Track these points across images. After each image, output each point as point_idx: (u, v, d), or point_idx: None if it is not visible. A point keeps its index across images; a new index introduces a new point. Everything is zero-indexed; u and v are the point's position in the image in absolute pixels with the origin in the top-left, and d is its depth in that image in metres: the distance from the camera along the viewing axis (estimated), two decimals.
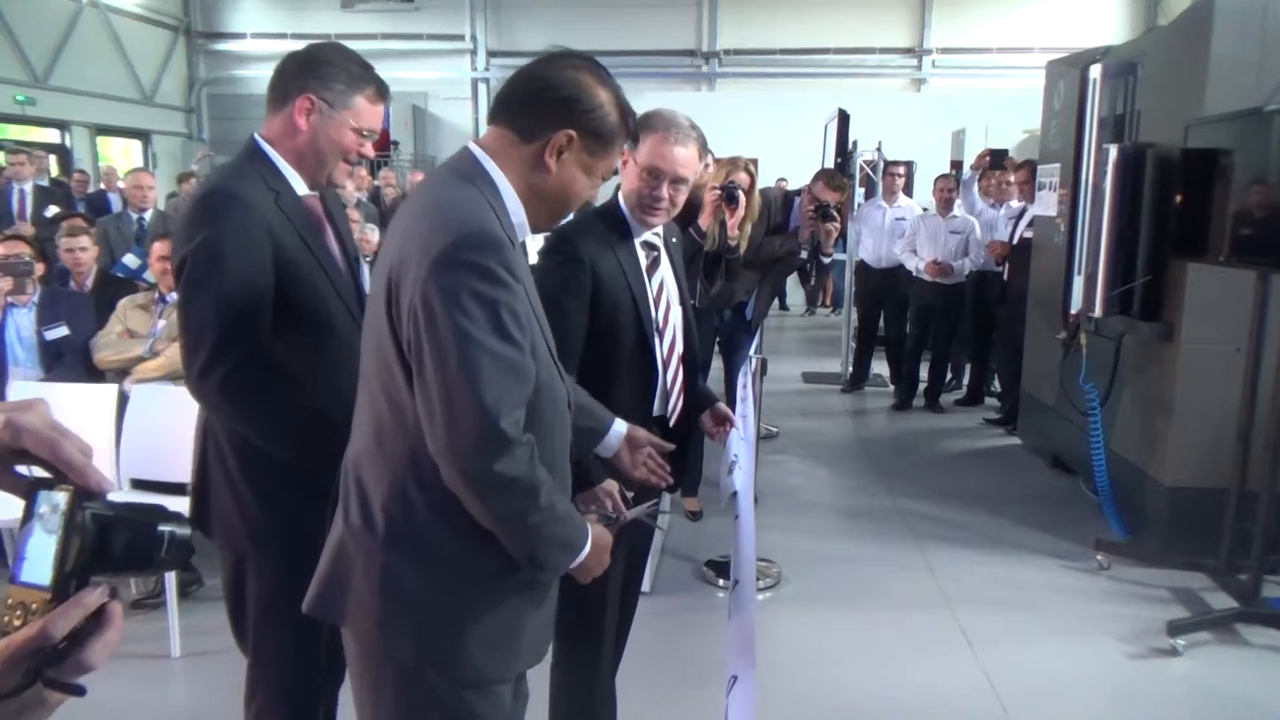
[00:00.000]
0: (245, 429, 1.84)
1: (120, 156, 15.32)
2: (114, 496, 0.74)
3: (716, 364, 4.83)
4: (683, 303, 2.07)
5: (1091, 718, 2.90)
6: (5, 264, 3.66)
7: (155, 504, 0.76)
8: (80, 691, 0.69)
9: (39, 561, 0.68)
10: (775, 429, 6.03)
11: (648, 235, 2.06)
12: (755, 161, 4.33)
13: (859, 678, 3.08)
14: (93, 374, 3.70)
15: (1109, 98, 4.58)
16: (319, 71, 1.85)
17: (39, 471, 0.73)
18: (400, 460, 1.38)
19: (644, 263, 2.10)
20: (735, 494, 2.28)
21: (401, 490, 1.38)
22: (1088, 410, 4.23)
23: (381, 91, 1.93)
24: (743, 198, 4.04)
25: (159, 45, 15.99)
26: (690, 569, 3.89)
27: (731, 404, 4.04)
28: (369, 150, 1.94)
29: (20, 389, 3.43)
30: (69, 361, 3.73)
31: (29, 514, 0.69)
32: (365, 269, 2.14)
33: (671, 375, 2.14)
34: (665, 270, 2.02)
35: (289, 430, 1.83)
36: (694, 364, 2.15)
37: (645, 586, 3.59)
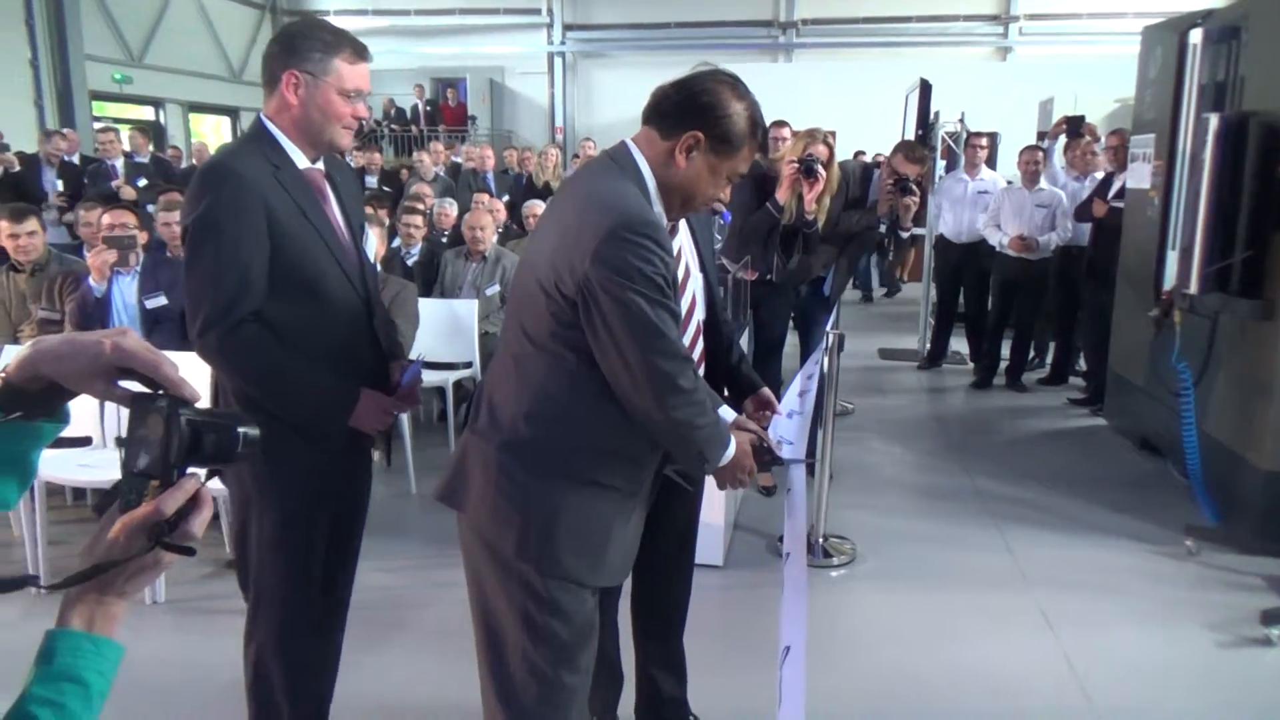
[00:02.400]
0: (242, 384, 2.00)
1: (211, 133, 15.84)
2: None
3: (792, 339, 4.81)
4: (704, 269, 2.06)
5: (1178, 706, 2.82)
6: (111, 238, 3.82)
7: (234, 410, 0.89)
8: (191, 552, 0.87)
9: (143, 458, 0.85)
10: (851, 405, 5.97)
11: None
12: (833, 134, 4.26)
13: (936, 658, 3.06)
14: (188, 341, 3.85)
15: (1209, 64, 4.37)
16: (294, 47, 1.97)
17: (137, 386, 0.88)
18: (533, 385, 1.72)
19: None
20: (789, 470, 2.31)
21: (528, 408, 1.71)
22: (1180, 391, 4.08)
23: (358, 51, 2.03)
24: (821, 171, 3.99)
25: (247, 24, 16.44)
26: (764, 544, 3.90)
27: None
28: (361, 110, 2.05)
29: None
30: (166, 329, 3.89)
31: (135, 420, 0.85)
32: (370, 238, 2.23)
33: (688, 341, 2.11)
34: (684, 236, 2.01)
35: (283, 386, 2.00)
36: (717, 331, 2.14)
37: (718, 560, 3.63)
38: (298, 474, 2.03)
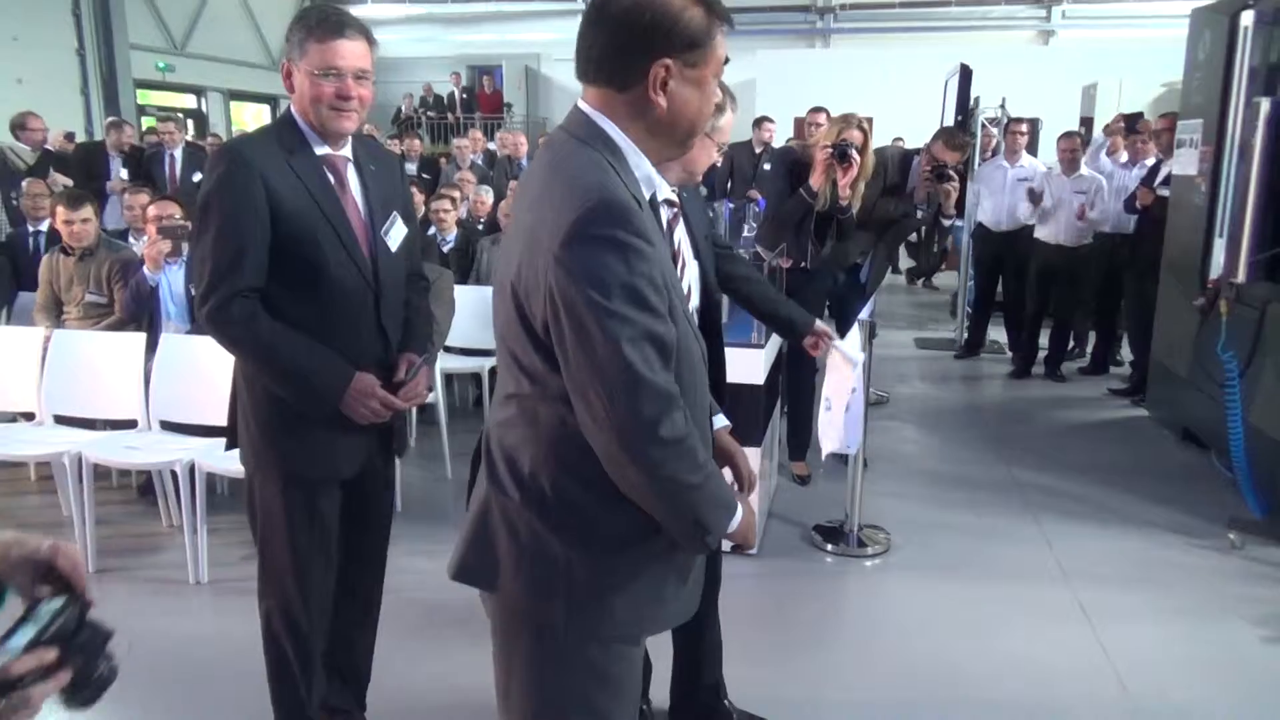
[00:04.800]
0: (236, 356, 2.08)
1: (251, 120, 16.02)
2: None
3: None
4: (698, 257, 1.92)
5: (1220, 701, 2.78)
6: (164, 228, 3.91)
7: (112, 649, 0.97)
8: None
9: (20, 636, 0.90)
10: (886, 394, 5.93)
11: (668, 193, 1.75)
12: (870, 120, 4.21)
13: (971, 649, 3.04)
14: None
15: (1261, 47, 4.26)
16: (289, 36, 2.04)
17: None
18: (548, 431, 1.39)
19: (665, 218, 1.81)
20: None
21: (549, 459, 1.39)
22: (1225, 381, 4.01)
23: (330, 28, 1.97)
24: (855, 156, 3.95)
25: (286, 12, 16.55)
26: (798, 533, 3.89)
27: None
28: (346, 88, 1.99)
29: (169, 341, 3.67)
30: None
31: (30, 609, 0.93)
32: (398, 225, 2.17)
33: None
34: (681, 227, 1.86)
35: (273, 362, 2.04)
36: (716, 322, 2.01)
37: (753, 549, 3.62)
38: (290, 454, 2.10)
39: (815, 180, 4.01)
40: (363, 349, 2.11)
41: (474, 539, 1.49)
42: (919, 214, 4.62)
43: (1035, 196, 6.16)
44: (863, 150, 4.00)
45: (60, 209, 4.11)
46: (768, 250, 4.17)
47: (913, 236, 9.15)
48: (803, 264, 4.23)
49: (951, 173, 4.33)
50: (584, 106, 1.42)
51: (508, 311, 1.38)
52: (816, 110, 6.69)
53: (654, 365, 1.28)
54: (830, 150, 3.94)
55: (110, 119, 9.44)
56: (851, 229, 4.20)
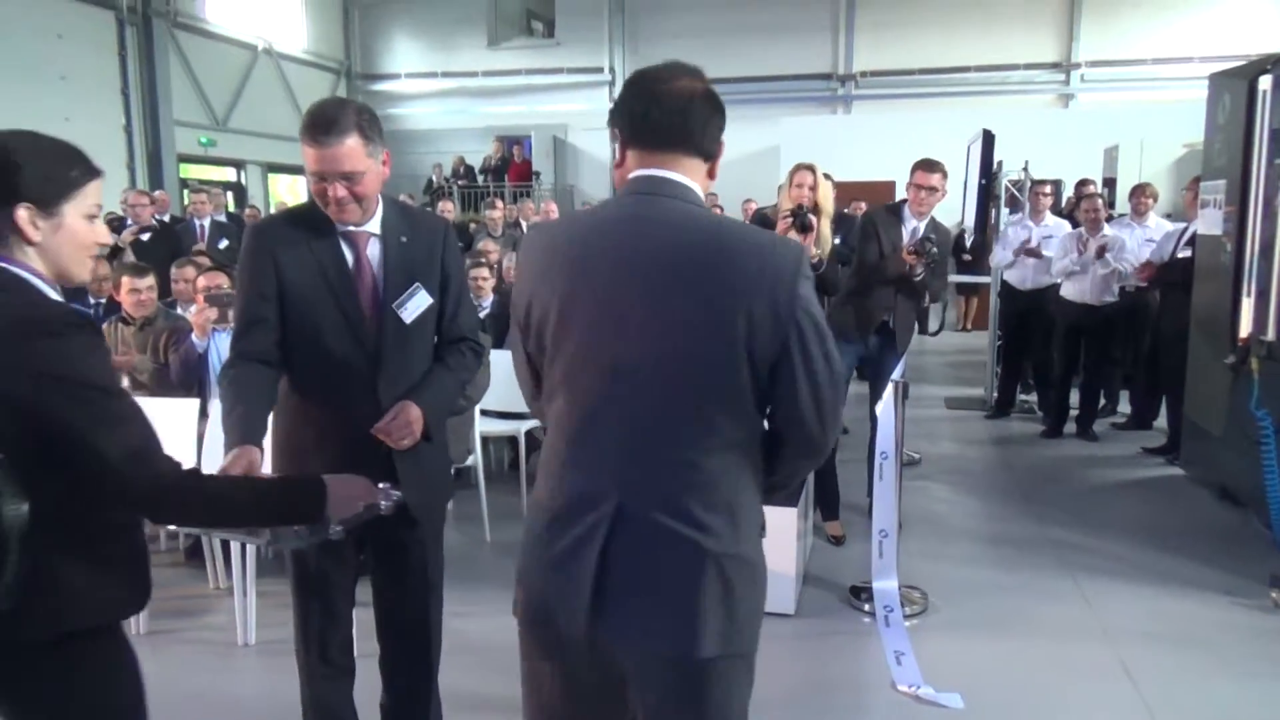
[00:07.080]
0: None
1: (287, 192, 16.48)
2: None
3: (861, 389, 4.83)
4: None
5: None
6: (211, 295, 4.08)
7: None
8: None
9: None
10: (918, 455, 5.94)
11: None
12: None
13: (1013, 709, 3.03)
14: None
15: None
16: None
17: None
18: (731, 465, 1.52)
19: None
20: None
21: (734, 490, 1.53)
22: (1260, 439, 4.01)
23: (310, 132, 2.03)
24: (812, 220, 4.03)
25: (323, 87, 17.16)
26: (835, 594, 3.90)
27: (874, 428, 4.02)
28: (334, 190, 2.05)
29: (218, 407, 3.79)
30: None
31: None
32: (418, 295, 2.21)
33: None
34: None
35: (227, 420, 2.13)
36: None
37: (790, 609, 3.64)
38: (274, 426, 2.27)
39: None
40: (355, 415, 2.15)
41: (701, 605, 1.47)
42: (917, 277, 4.57)
43: (1034, 251, 6.58)
44: (816, 210, 4.09)
45: (125, 279, 4.31)
46: None
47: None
48: None
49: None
50: (676, 176, 1.55)
51: (708, 367, 1.46)
52: (825, 176, 6.81)
53: None
54: (789, 218, 4.03)
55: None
56: (833, 281, 4.27)
